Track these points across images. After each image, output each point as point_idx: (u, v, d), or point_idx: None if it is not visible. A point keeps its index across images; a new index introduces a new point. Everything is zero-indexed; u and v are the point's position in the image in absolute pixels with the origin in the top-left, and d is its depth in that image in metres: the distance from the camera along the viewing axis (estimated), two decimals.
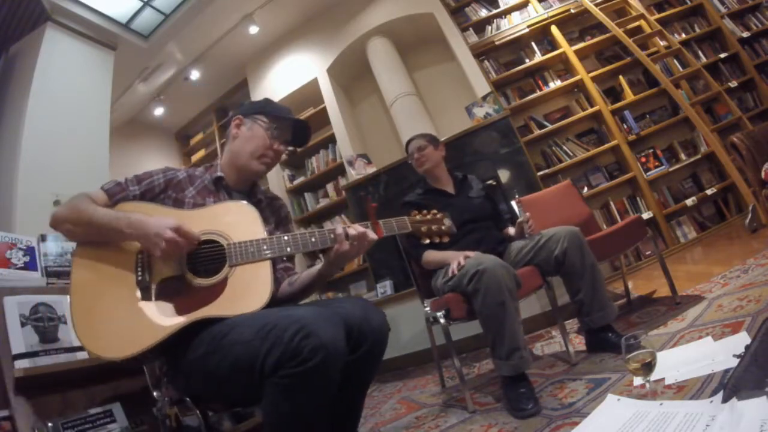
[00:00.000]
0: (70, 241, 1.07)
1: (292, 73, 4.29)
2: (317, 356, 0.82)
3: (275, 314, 0.91)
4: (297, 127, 1.29)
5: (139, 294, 0.98)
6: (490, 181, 2.68)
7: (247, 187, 1.28)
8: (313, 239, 1.07)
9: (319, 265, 1.18)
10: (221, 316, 0.96)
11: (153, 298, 0.98)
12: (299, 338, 0.82)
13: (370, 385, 1.12)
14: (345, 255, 1.07)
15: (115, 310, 0.96)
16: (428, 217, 1.19)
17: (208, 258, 1.03)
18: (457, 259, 1.58)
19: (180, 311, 0.97)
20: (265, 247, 1.04)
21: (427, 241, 1.17)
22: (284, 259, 1.28)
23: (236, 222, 1.08)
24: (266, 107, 1.26)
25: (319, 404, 0.88)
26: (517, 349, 1.41)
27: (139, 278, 0.99)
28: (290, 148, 1.32)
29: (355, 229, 1.06)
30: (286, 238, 1.05)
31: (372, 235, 1.07)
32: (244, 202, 1.14)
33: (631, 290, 2.36)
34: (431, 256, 1.82)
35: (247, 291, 1.00)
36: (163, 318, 0.96)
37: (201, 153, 4.92)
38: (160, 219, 0.98)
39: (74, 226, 1.02)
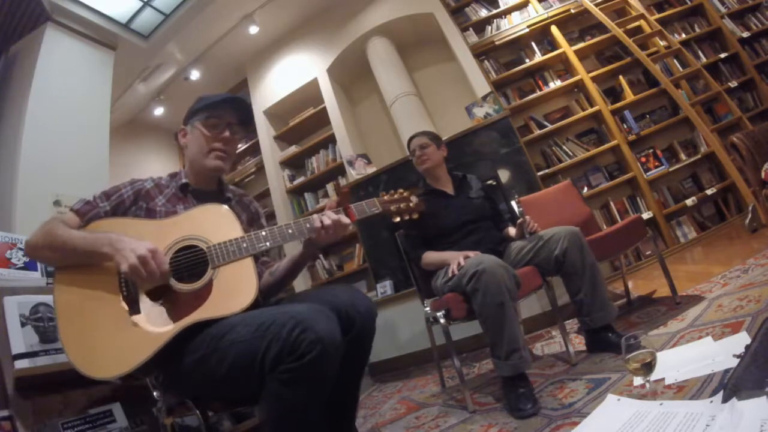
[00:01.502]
0: (49, 266, 1.05)
1: (292, 73, 4.28)
2: (315, 350, 0.84)
3: (271, 312, 0.92)
4: (232, 106, 1.24)
5: (127, 309, 0.98)
6: (489, 181, 2.69)
7: (213, 187, 1.29)
8: (290, 231, 1.10)
9: (297, 252, 1.22)
10: (212, 317, 0.97)
11: (142, 311, 0.98)
12: (297, 332, 0.84)
13: (363, 371, 1.14)
14: (323, 242, 1.12)
15: (106, 329, 0.96)
16: (395, 196, 1.23)
17: (190, 263, 1.04)
18: (456, 260, 1.58)
19: (171, 319, 0.97)
20: (245, 245, 1.05)
21: (398, 219, 1.21)
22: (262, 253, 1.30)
23: (213, 224, 1.10)
24: (197, 105, 1.24)
25: (317, 397, 0.89)
26: (516, 350, 1.41)
27: (125, 293, 1.00)
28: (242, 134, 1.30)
29: (329, 217, 1.10)
30: (263, 233, 1.08)
31: (345, 220, 1.12)
32: (217, 204, 1.16)
33: (631, 290, 2.36)
34: (431, 257, 1.82)
35: (233, 289, 1.01)
36: (155, 328, 0.96)
37: None
38: (138, 240, 0.97)
39: (52, 252, 1.01)
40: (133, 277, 0.96)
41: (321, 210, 3.94)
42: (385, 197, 1.22)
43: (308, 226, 1.10)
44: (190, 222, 1.10)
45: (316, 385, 0.88)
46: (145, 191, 1.18)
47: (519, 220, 1.75)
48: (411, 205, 1.23)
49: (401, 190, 1.25)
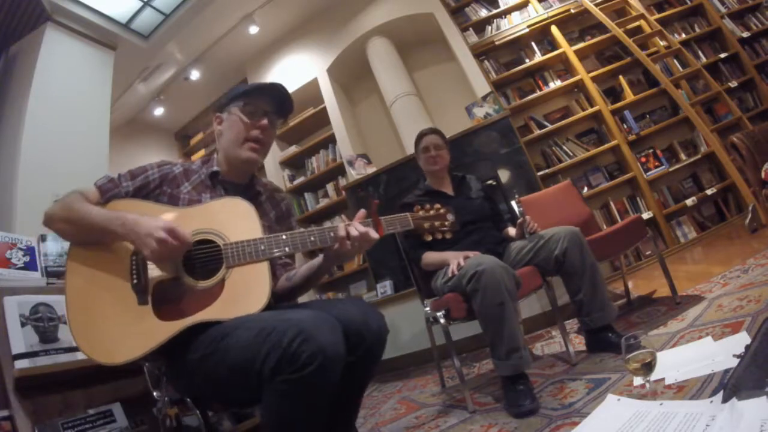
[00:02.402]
0: (63, 239, 1.05)
1: (292, 73, 4.29)
2: (315, 361, 0.81)
3: (274, 318, 0.89)
4: (271, 94, 1.20)
5: (135, 298, 0.97)
6: (489, 181, 2.69)
7: (245, 179, 1.23)
8: (312, 238, 1.04)
9: (317, 260, 1.17)
10: (219, 319, 0.95)
11: (150, 302, 0.97)
12: (298, 343, 0.81)
13: (366, 387, 1.11)
14: (346, 254, 1.05)
15: (112, 315, 0.95)
16: (431, 213, 1.14)
17: (204, 259, 1.02)
18: (456, 260, 1.58)
19: (178, 314, 0.96)
20: (262, 248, 1.01)
21: (430, 238, 1.13)
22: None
23: (232, 220, 1.05)
24: (234, 92, 1.19)
25: (316, 408, 0.88)
26: (516, 349, 1.41)
27: (135, 281, 0.97)
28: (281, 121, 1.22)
29: (357, 228, 1.02)
30: (284, 237, 1.02)
31: (374, 234, 1.04)
32: (241, 199, 1.10)
33: (631, 290, 2.36)
34: (430, 257, 1.81)
35: (245, 293, 0.98)
36: (160, 322, 0.95)
37: (201, 153, 4.92)
38: (153, 219, 0.96)
39: (67, 225, 1.00)
40: (158, 262, 0.96)
41: (322, 210, 3.90)
42: (420, 212, 1.13)
43: (332, 235, 1.03)
44: (210, 214, 1.06)
45: (315, 398, 0.86)
46: (172, 176, 1.14)
47: (519, 220, 1.75)
48: (446, 223, 1.13)
49: (438, 206, 1.15)
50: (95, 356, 0.92)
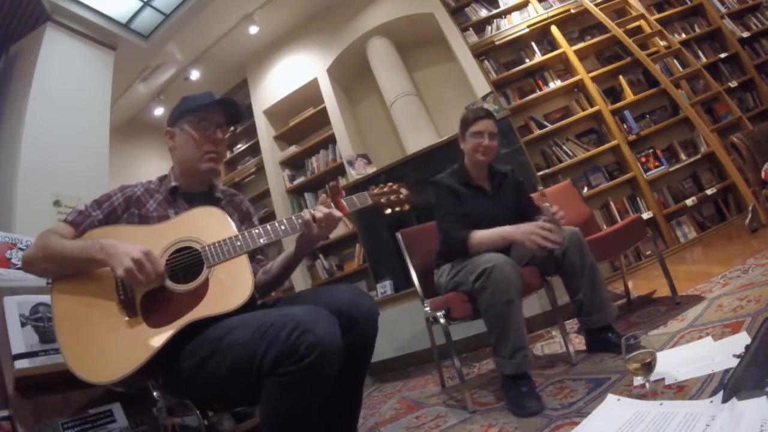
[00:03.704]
0: (47, 278, 1.06)
1: (292, 73, 4.29)
2: (314, 353, 0.84)
3: (271, 314, 0.92)
4: (222, 106, 1.25)
5: (124, 313, 0.98)
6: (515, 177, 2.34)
7: (204, 188, 1.29)
8: (282, 227, 1.10)
9: (290, 250, 1.23)
10: (210, 315, 0.97)
11: (139, 314, 0.98)
12: (296, 336, 0.84)
13: (366, 371, 1.14)
14: (316, 237, 1.12)
15: (104, 334, 0.96)
16: (385, 189, 1.23)
17: (186, 264, 1.05)
18: (538, 235, 1.43)
19: (169, 320, 0.97)
20: (239, 243, 1.06)
21: (389, 211, 1.20)
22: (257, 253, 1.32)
23: (206, 226, 1.11)
24: (184, 106, 1.24)
25: (316, 400, 0.89)
26: (521, 348, 1.41)
27: (122, 297, 1.00)
28: (231, 129, 1.30)
29: (320, 211, 1.10)
30: (257, 231, 1.08)
31: (337, 214, 1.12)
32: (209, 206, 1.16)
33: (631, 290, 2.36)
34: (480, 235, 1.61)
35: (230, 287, 1.02)
36: (153, 330, 0.96)
37: None
38: (131, 244, 0.98)
39: (48, 264, 1.01)
40: (130, 281, 0.97)
41: None
42: (375, 190, 1.22)
43: (300, 221, 1.10)
44: (183, 225, 1.11)
45: (315, 388, 0.87)
46: (135, 197, 1.18)
47: (544, 217, 1.54)
48: (401, 197, 1.22)
49: (390, 183, 1.25)
50: (95, 379, 0.92)
